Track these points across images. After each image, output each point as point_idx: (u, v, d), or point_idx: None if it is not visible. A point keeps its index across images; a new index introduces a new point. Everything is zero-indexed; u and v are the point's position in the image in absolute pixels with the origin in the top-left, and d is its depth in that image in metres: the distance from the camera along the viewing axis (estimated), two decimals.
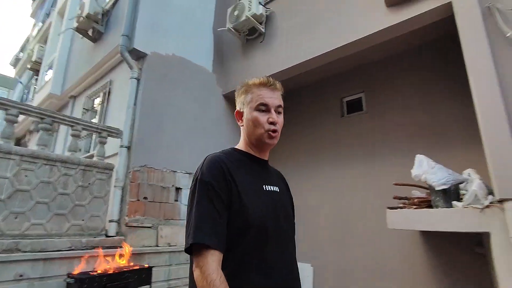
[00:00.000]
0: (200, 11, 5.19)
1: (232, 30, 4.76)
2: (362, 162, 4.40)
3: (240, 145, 1.18)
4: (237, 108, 1.20)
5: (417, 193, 3.19)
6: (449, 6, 2.85)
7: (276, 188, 1.13)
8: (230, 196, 0.96)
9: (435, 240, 3.68)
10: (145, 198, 3.87)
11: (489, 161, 2.39)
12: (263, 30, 4.64)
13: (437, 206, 2.74)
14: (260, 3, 4.55)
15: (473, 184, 2.52)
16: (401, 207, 3.05)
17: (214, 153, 1.09)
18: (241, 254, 0.92)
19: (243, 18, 4.50)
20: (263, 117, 1.09)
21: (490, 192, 2.45)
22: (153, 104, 4.16)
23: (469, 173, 2.70)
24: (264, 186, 1.09)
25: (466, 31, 2.66)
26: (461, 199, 2.62)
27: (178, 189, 4.26)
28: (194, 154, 4.54)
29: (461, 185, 2.75)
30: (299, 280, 1.06)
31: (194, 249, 0.89)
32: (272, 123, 1.09)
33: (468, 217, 2.48)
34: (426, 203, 2.90)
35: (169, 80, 4.44)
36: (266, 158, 1.21)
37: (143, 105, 4.03)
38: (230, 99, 5.25)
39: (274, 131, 1.10)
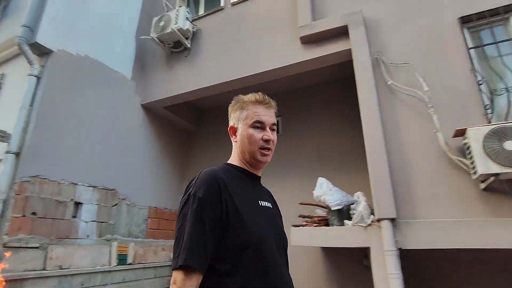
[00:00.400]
0: (123, 15, 4.92)
1: (156, 40, 4.64)
2: (277, 181, 4.68)
3: (234, 161, 1.17)
4: (231, 123, 1.20)
5: (320, 212, 3.54)
6: (349, 52, 3.36)
7: (269, 204, 1.16)
8: (227, 213, 0.95)
9: (333, 255, 4.11)
10: (33, 213, 3.33)
11: (371, 186, 2.83)
12: (188, 45, 4.65)
13: (332, 224, 3.09)
14: (187, 18, 4.57)
15: (360, 205, 2.94)
16: (304, 225, 3.33)
17: (210, 168, 1.06)
18: (242, 271, 0.91)
19: (169, 30, 4.44)
20: (258, 134, 1.10)
21: (372, 212, 2.88)
22: (55, 107, 3.69)
23: (358, 196, 3.13)
24: (260, 201, 1.10)
25: (360, 76, 3.16)
26: (352, 218, 3.01)
27: (78, 204, 3.80)
28: (103, 166, 4.15)
29: (352, 206, 3.16)
30: None
31: (175, 267, 0.88)
32: (266, 140, 1.11)
33: (355, 234, 2.86)
34: (325, 222, 3.24)
35: (78, 82, 4.02)
36: (260, 175, 1.21)
37: (41, 107, 3.53)
38: (149, 109, 5.03)
39: (268, 149, 1.12)
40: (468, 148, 2.49)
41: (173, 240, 0.94)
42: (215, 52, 4.51)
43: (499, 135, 2.34)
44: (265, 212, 1.10)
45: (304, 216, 3.48)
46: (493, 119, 2.73)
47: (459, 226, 2.53)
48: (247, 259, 0.93)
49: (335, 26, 3.47)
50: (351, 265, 3.91)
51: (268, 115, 1.14)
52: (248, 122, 1.12)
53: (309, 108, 4.85)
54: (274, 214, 1.19)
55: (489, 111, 2.73)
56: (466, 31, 3.09)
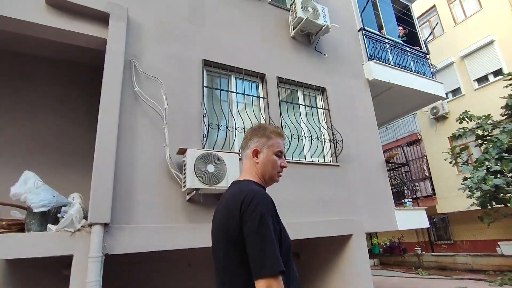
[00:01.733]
0: None
1: None
2: None
3: (255, 179, 1.35)
4: (254, 146, 1.39)
5: (18, 214, 2.81)
6: (104, 42, 3.10)
7: None
8: (281, 226, 1.19)
9: (24, 268, 3.33)
10: None
11: (91, 189, 2.65)
12: None
13: (29, 230, 2.54)
14: None
15: (73, 208, 2.64)
16: None
17: (259, 188, 1.27)
18: (288, 271, 1.13)
19: None
20: (279, 161, 1.39)
21: (86, 216, 2.67)
22: None
23: (73, 197, 2.81)
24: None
25: (109, 71, 2.98)
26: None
27: None
28: None
29: (64, 208, 2.77)
30: None
31: (269, 274, 1.03)
32: (283, 167, 1.41)
33: (57, 240, 2.50)
34: (19, 227, 2.60)
35: None
36: None
37: None
38: None
39: (281, 173, 1.42)
40: (185, 165, 2.99)
41: None
42: None
43: (205, 159, 3.01)
44: None
45: None
46: (206, 146, 3.49)
47: (165, 231, 2.91)
48: (288, 260, 1.18)
49: (96, 8, 3.11)
50: (48, 277, 3.35)
51: (283, 147, 1.43)
52: (273, 150, 1.37)
53: (38, 84, 3.88)
54: None
55: (205, 139, 3.46)
56: (205, 72, 3.83)
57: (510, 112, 7.73)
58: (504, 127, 7.25)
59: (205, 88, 3.71)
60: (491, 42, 10.85)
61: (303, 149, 4.34)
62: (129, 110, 3.07)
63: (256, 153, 1.38)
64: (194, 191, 2.99)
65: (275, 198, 1.24)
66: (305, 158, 4.28)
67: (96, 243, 2.55)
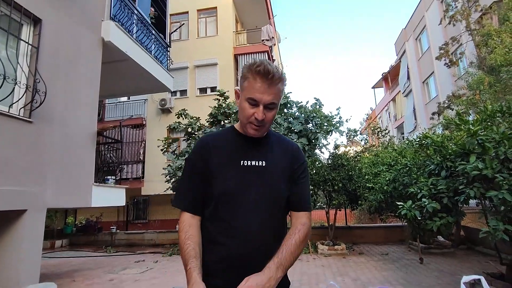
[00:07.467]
0: None
1: None
2: None
3: (238, 125, 1.23)
4: (238, 86, 1.20)
5: None
6: None
7: (260, 163, 1.15)
8: (207, 169, 1.12)
9: None
10: None
11: None
12: None
13: None
14: None
15: None
16: None
17: (207, 134, 1.28)
18: (209, 216, 1.11)
19: None
20: (250, 110, 1.08)
21: None
22: None
23: None
24: (241, 161, 1.13)
25: None
26: None
27: None
28: None
29: None
30: (270, 244, 1.06)
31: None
32: (256, 119, 1.07)
33: None
34: None
35: None
36: (258, 136, 1.16)
37: None
38: None
39: (258, 125, 1.10)
40: None
41: None
42: None
43: None
44: (244, 170, 1.13)
45: None
46: None
47: None
48: (214, 207, 1.09)
49: None
50: None
51: (266, 93, 1.04)
52: (245, 95, 1.08)
53: None
54: (262, 171, 1.14)
55: None
56: None
57: (212, 119, 9.88)
58: (205, 130, 9.13)
59: None
60: (215, 64, 13.63)
61: None
62: None
63: (237, 95, 1.20)
64: None
65: None
66: None
67: None
